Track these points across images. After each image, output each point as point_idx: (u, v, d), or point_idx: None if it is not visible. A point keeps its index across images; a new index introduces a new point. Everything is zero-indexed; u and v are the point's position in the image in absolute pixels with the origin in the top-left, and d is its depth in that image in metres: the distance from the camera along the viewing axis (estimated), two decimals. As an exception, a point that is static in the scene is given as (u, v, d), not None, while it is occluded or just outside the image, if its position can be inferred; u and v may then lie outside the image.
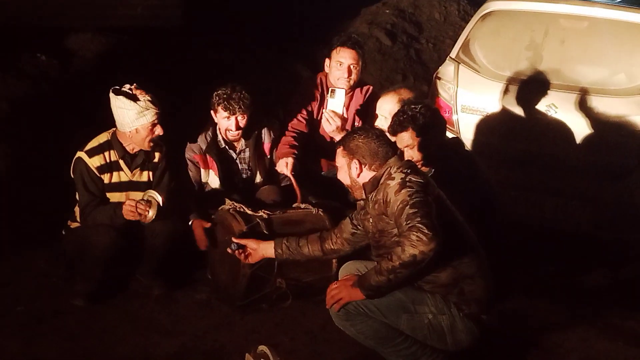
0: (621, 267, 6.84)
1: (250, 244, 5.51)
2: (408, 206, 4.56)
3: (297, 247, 5.40)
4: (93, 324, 5.59)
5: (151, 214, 5.72)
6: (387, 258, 4.58)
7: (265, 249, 5.47)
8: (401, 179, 4.70)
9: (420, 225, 4.45)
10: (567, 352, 5.42)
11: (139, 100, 5.80)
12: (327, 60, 6.78)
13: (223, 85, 6.31)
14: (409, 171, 4.74)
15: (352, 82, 6.72)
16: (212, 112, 6.37)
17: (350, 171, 4.95)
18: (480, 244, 4.88)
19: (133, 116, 5.81)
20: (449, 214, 4.77)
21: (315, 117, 6.81)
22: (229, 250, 5.53)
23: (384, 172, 4.83)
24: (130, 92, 5.84)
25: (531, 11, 7.31)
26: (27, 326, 5.51)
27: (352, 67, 6.67)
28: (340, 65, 6.66)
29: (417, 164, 5.38)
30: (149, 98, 5.83)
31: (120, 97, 5.81)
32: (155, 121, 5.86)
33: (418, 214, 4.51)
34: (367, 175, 4.92)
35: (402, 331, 4.80)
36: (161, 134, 5.90)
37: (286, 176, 6.48)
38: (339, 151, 5.01)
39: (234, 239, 5.53)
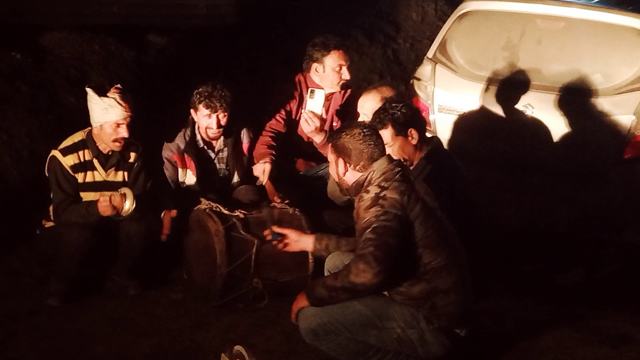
0: (596, 266, 6.87)
1: (292, 234, 5.39)
2: (369, 229, 4.50)
3: (336, 246, 5.28)
4: (68, 324, 5.57)
5: (127, 205, 5.70)
6: (333, 275, 4.63)
7: (306, 242, 5.37)
8: (375, 194, 4.59)
9: (370, 257, 4.41)
10: (542, 352, 5.41)
11: (106, 96, 5.78)
12: (315, 64, 6.72)
13: (203, 84, 6.28)
14: (386, 185, 4.61)
15: None
16: (192, 110, 6.34)
17: (337, 168, 4.86)
18: (466, 255, 4.85)
19: (98, 111, 5.80)
20: (434, 225, 4.65)
21: (293, 117, 6.79)
22: (270, 239, 5.45)
23: (366, 177, 4.73)
24: (105, 89, 5.82)
25: (508, 11, 7.31)
26: (1, 326, 5.49)
27: (348, 68, 6.70)
28: (341, 68, 6.66)
29: None
30: (118, 97, 5.79)
31: (89, 91, 5.83)
32: (121, 121, 5.81)
33: (374, 242, 4.45)
34: (351, 175, 4.81)
35: (373, 344, 4.80)
36: (124, 136, 5.85)
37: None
38: (329, 147, 4.92)
39: (274, 228, 5.44)
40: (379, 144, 4.82)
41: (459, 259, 4.76)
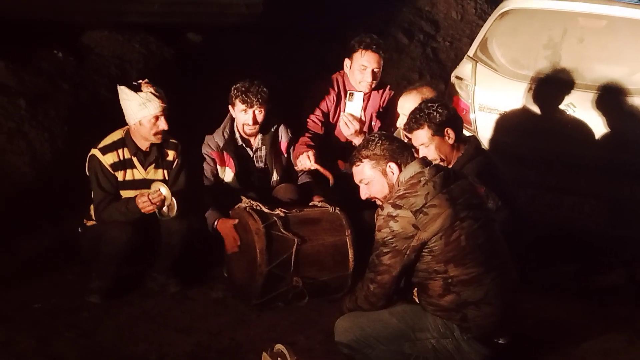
0: (637, 266, 6.80)
1: None
2: (377, 252, 4.62)
3: None
4: (108, 321, 5.61)
5: (165, 192, 5.74)
6: (350, 297, 4.97)
7: None
8: (387, 213, 4.58)
9: (372, 287, 4.70)
10: (585, 354, 5.38)
11: (141, 91, 5.80)
12: (347, 60, 6.73)
13: (241, 80, 6.30)
14: (401, 203, 4.56)
15: (373, 86, 6.69)
16: (229, 106, 6.37)
17: (387, 177, 4.76)
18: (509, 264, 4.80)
19: (135, 107, 5.81)
20: (461, 236, 4.57)
21: (331, 118, 6.78)
22: None
23: (396, 183, 4.74)
24: (136, 84, 5.84)
25: (549, 10, 7.26)
26: (43, 323, 5.53)
27: (375, 71, 6.64)
28: (364, 69, 6.62)
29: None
30: (152, 90, 5.82)
31: (124, 88, 5.85)
32: (159, 114, 5.83)
33: (377, 269, 4.64)
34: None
35: (410, 353, 4.78)
36: (165, 128, 5.87)
37: (303, 174, 6.47)
38: (364, 166, 4.79)
39: None
40: (405, 148, 4.87)
41: (494, 269, 4.67)
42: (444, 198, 4.57)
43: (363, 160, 4.79)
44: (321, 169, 6.29)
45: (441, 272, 4.58)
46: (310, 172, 6.44)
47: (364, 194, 4.89)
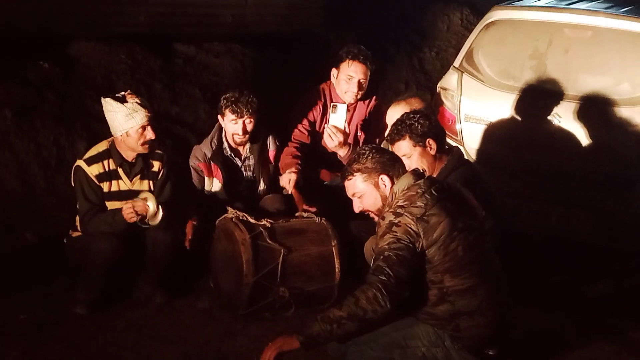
0: (625, 277, 6.82)
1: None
2: (382, 257, 4.43)
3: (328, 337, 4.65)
4: (95, 333, 5.59)
5: (151, 207, 5.71)
6: (335, 309, 4.43)
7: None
8: (389, 221, 4.51)
9: (381, 285, 4.33)
10: (570, 363, 5.40)
11: (126, 102, 5.79)
12: (334, 70, 6.75)
13: (231, 90, 6.31)
14: (401, 212, 4.50)
15: (359, 97, 6.70)
16: (219, 116, 6.38)
17: (379, 190, 4.70)
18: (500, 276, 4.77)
19: (122, 119, 5.79)
20: (459, 247, 4.52)
21: (317, 128, 6.79)
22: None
23: (389, 199, 4.68)
24: (121, 95, 5.83)
25: (535, 20, 7.28)
26: (29, 334, 5.50)
27: (361, 81, 6.66)
28: (349, 80, 6.63)
29: None
30: (138, 100, 5.82)
31: (109, 100, 5.84)
32: (145, 124, 5.83)
33: (385, 271, 4.37)
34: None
35: None
36: (152, 137, 5.86)
37: (290, 186, 6.48)
38: (355, 179, 4.73)
39: None
40: (396, 160, 4.82)
41: (488, 280, 4.65)
42: (442, 208, 4.55)
43: (355, 174, 4.75)
44: (296, 197, 6.26)
45: (437, 282, 4.55)
46: (296, 183, 6.40)
47: (357, 208, 4.84)
